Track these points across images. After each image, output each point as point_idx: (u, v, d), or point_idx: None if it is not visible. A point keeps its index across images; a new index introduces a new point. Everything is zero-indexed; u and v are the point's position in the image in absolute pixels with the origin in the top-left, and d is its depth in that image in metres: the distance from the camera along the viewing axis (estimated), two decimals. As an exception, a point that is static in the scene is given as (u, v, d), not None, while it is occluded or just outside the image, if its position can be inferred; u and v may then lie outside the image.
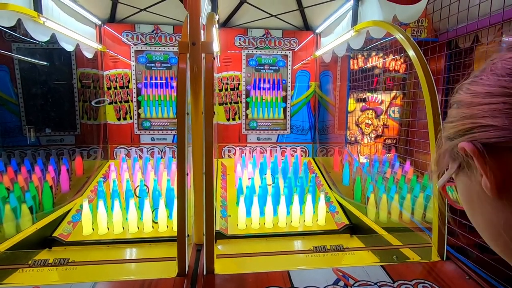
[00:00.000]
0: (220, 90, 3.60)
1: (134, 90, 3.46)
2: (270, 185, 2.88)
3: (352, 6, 2.52)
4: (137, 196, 2.65)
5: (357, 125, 3.73)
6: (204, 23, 1.84)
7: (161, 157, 3.43)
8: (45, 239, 2.20)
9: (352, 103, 3.58)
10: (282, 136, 3.76)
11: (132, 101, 3.47)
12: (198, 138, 1.59)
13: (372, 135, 3.73)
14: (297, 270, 1.42)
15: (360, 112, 3.67)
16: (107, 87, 3.41)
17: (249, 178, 2.99)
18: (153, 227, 2.38)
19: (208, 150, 1.45)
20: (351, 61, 3.45)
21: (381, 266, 1.46)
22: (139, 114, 3.50)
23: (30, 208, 2.28)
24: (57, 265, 1.52)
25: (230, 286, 1.32)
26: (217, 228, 2.33)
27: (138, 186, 2.75)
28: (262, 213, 2.50)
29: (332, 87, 3.64)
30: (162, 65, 3.48)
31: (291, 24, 3.58)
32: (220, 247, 2.22)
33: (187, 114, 1.49)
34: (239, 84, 3.61)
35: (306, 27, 3.63)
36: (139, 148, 3.53)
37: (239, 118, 3.67)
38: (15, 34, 3.03)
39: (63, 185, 2.86)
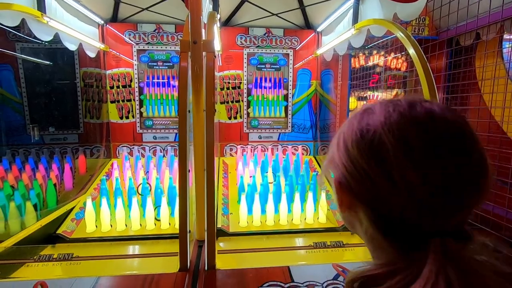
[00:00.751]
0: (222, 89, 3.62)
1: (137, 89, 3.49)
2: (272, 183, 2.90)
3: (353, 4, 2.52)
4: (139, 194, 2.68)
5: (358, 123, 3.73)
6: (206, 22, 1.86)
7: (163, 155, 3.45)
8: (49, 236, 2.23)
9: (353, 102, 3.58)
10: (283, 135, 3.77)
11: (134, 100, 3.50)
12: (200, 136, 1.61)
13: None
14: (297, 265, 1.44)
15: (361, 110, 3.67)
16: (110, 86, 3.44)
17: (250, 176, 3.01)
18: (155, 224, 2.40)
19: (210, 147, 1.47)
20: (352, 60, 3.46)
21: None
22: (141, 113, 3.53)
23: (35, 206, 2.32)
24: (61, 260, 1.55)
25: (231, 281, 1.34)
26: (219, 225, 2.35)
27: (140, 184, 2.77)
28: (263, 211, 2.52)
29: (333, 86, 3.65)
30: (164, 64, 3.51)
31: (292, 23, 3.59)
32: (221, 244, 2.24)
33: (189, 112, 1.51)
34: (240, 83, 3.63)
35: (307, 25, 3.63)
36: (141, 146, 3.56)
37: (240, 117, 3.68)
38: (19, 34, 3.07)
39: (67, 183, 2.89)
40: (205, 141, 1.48)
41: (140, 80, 3.49)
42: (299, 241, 2.33)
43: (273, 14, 3.41)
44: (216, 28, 2.17)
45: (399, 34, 1.81)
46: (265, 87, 3.68)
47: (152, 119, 3.55)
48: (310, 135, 3.80)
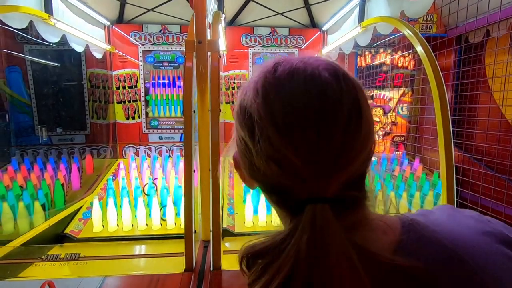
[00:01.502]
0: (227, 89, 3.62)
1: (142, 90, 3.51)
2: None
3: (359, 2, 2.50)
4: (145, 194, 2.69)
5: (365, 122, 3.69)
6: (210, 22, 1.85)
7: (169, 156, 3.47)
8: (57, 236, 2.26)
9: (359, 101, 3.55)
10: (289, 134, 3.75)
11: (140, 100, 3.52)
12: (205, 136, 1.60)
13: (380, 133, 3.70)
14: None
15: (367, 109, 3.64)
16: (116, 87, 3.47)
17: (256, 176, 3.00)
18: (161, 224, 2.41)
19: (215, 147, 1.46)
20: (358, 58, 3.43)
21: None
22: (147, 113, 3.55)
23: (43, 206, 2.35)
24: (68, 260, 1.56)
25: (236, 281, 1.33)
26: (224, 225, 2.35)
27: (146, 184, 2.79)
28: (269, 210, 2.51)
29: (339, 85, 3.62)
30: (169, 64, 3.52)
31: (297, 22, 3.57)
32: (227, 244, 2.23)
33: (194, 112, 1.51)
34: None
35: (313, 24, 3.61)
36: (147, 146, 3.58)
37: (245, 117, 3.67)
38: (27, 36, 3.11)
39: (74, 183, 2.92)
40: (210, 141, 1.47)
41: (146, 81, 3.51)
42: (305, 241, 2.32)
43: (278, 13, 3.39)
44: (221, 28, 2.17)
45: (407, 32, 1.78)
46: (270, 87, 3.66)
47: (158, 119, 3.57)
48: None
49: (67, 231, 2.30)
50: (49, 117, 3.34)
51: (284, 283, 0.32)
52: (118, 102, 3.49)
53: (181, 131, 3.56)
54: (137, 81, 3.49)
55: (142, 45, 3.44)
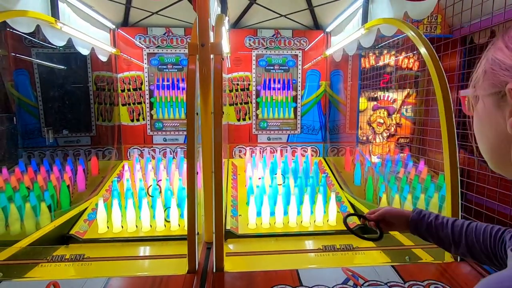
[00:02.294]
0: (231, 91, 3.63)
1: (147, 92, 3.54)
2: (281, 185, 2.88)
3: (362, 4, 2.49)
4: (149, 196, 2.71)
5: (369, 124, 3.68)
6: (214, 25, 1.87)
7: (173, 157, 3.49)
8: (63, 237, 2.29)
9: (363, 102, 3.54)
10: (292, 136, 3.75)
11: (145, 102, 3.55)
12: (208, 138, 1.62)
13: (385, 135, 3.68)
14: (306, 269, 1.42)
15: (372, 111, 3.62)
16: (121, 89, 3.51)
17: (259, 178, 3.01)
18: (165, 225, 2.42)
19: (218, 149, 1.47)
20: (362, 60, 3.42)
21: (392, 266, 1.44)
22: (151, 115, 3.58)
23: (49, 207, 2.38)
24: (73, 261, 1.58)
25: (239, 283, 1.34)
26: (228, 227, 2.35)
27: (150, 185, 2.81)
28: (272, 213, 2.51)
29: (343, 86, 3.61)
30: (173, 67, 3.55)
31: (301, 24, 3.57)
32: (230, 246, 2.24)
33: (197, 114, 1.52)
34: (249, 84, 3.64)
35: (316, 26, 3.61)
36: (151, 148, 3.60)
37: (249, 118, 3.69)
38: (34, 40, 3.17)
39: (80, 185, 2.95)
40: (213, 143, 1.48)
41: (151, 83, 3.54)
42: (308, 244, 2.31)
43: (281, 16, 3.40)
44: (224, 30, 2.18)
45: (410, 33, 1.77)
46: (274, 89, 3.67)
47: (162, 121, 3.60)
48: (320, 136, 3.77)
49: (72, 232, 2.32)
50: (56, 119, 3.39)
51: None
52: (123, 104, 3.53)
53: (185, 133, 3.58)
54: (141, 84, 3.53)
55: (147, 47, 3.48)
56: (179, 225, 2.43)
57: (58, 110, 3.39)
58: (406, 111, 3.66)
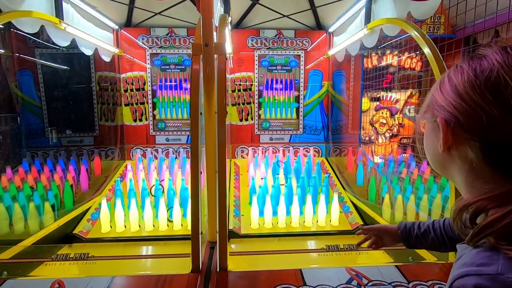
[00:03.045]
0: (233, 91, 3.64)
1: (150, 92, 3.55)
2: (283, 185, 2.88)
3: (365, 4, 2.49)
4: (152, 195, 2.72)
5: (372, 124, 3.67)
6: (217, 25, 1.87)
7: (176, 157, 3.50)
8: (66, 236, 2.30)
9: (366, 102, 3.53)
10: (295, 136, 3.75)
11: (147, 102, 3.56)
12: (211, 138, 1.62)
13: (387, 135, 3.67)
14: (309, 268, 1.42)
15: (374, 111, 3.62)
16: (124, 89, 3.52)
17: (261, 178, 3.01)
18: (168, 225, 2.43)
19: (221, 149, 1.48)
20: (364, 60, 3.41)
21: (396, 266, 1.43)
22: (154, 116, 3.59)
23: (52, 206, 2.39)
24: (77, 260, 1.59)
25: (242, 282, 1.34)
26: (231, 227, 2.36)
27: (153, 185, 2.82)
28: (275, 213, 2.51)
29: (345, 87, 3.61)
30: (176, 67, 3.56)
31: (303, 24, 3.58)
32: (233, 246, 2.24)
33: (200, 114, 1.52)
34: (251, 84, 3.64)
35: (319, 26, 3.61)
36: (154, 148, 3.61)
37: (251, 119, 3.69)
38: (38, 40, 3.18)
39: (83, 184, 2.97)
40: (217, 143, 1.48)
41: (153, 83, 3.55)
42: (311, 243, 2.31)
43: (284, 16, 3.41)
44: (227, 30, 2.19)
45: (414, 33, 1.77)
46: (276, 89, 3.67)
47: (164, 121, 3.61)
48: (322, 136, 3.76)
49: (76, 231, 2.33)
50: (59, 119, 3.40)
51: None
52: (126, 105, 3.54)
53: (187, 133, 3.59)
54: (144, 84, 3.54)
55: (150, 48, 3.49)
56: (181, 225, 2.44)
57: (61, 110, 3.41)
58: (409, 111, 3.65)
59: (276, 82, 3.66)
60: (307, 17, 3.51)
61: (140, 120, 3.58)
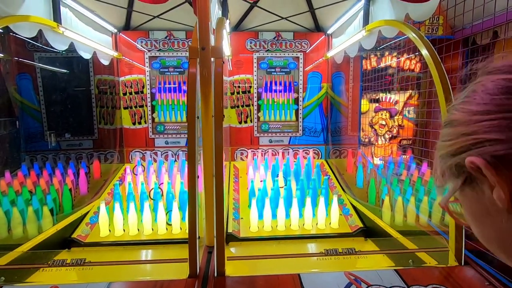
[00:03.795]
0: (232, 93, 3.63)
1: (149, 95, 3.55)
2: (282, 187, 2.87)
3: (363, 6, 2.49)
4: (151, 199, 2.71)
5: (371, 126, 3.66)
6: (214, 28, 1.87)
7: (175, 160, 3.49)
8: (65, 240, 2.29)
9: (365, 104, 3.52)
10: (294, 138, 3.74)
11: (146, 105, 3.56)
12: (209, 141, 1.61)
13: (387, 136, 3.66)
14: (308, 273, 1.41)
15: (373, 113, 3.61)
16: (123, 92, 3.52)
17: (261, 181, 3.00)
18: (167, 229, 2.42)
19: (218, 152, 1.47)
20: (363, 62, 3.41)
21: (395, 270, 1.42)
22: (153, 119, 3.59)
23: (51, 210, 2.38)
24: (74, 265, 1.58)
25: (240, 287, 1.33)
26: (230, 230, 2.34)
27: (152, 188, 2.81)
28: (274, 215, 2.50)
29: (344, 88, 3.60)
30: (175, 70, 3.56)
31: (302, 26, 3.58)
32: (232, 250, 2.23)
33: (198, 117, 1.52)
34: (250, 87, 3.64)
35: (317, 28, 3.61)
36: (153, 151, 3.61)
37: (251, 121, 3.68)
38: (37, 44, 3.19)
39: (82, 188, 2.96)
40: (214, 147, 1.48)
41: (152, 86, 3.55)
42: (311, 247, 2.30)
43: (282, 18, 3.40)
44: (225, 33, 2.18)
45: (411, 35, 1.76)
46: (275, 91, 3.67)
47: (164, 124, 3.60)
48: (322, 138, 3.75)
49: (74, 235, 2.33)
50: (58, 123, 3.40)
51: None
52: (125, 108, 3.54)
53: (187, 135, 3.58)
54: (143, 87, 3.54)
55: (148, 51, 3.49)
56: (181, 229, 2.42)
57: (60, 113, 3.41)
58: (409, 112, 3.64)
59: (275, 84, 3.66)
60: (306, 19, 3.51)
61: (139, 123, 3.58)
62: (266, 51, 3.59)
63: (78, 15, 2.63)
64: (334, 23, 3.25)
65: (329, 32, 3.50)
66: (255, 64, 3.61)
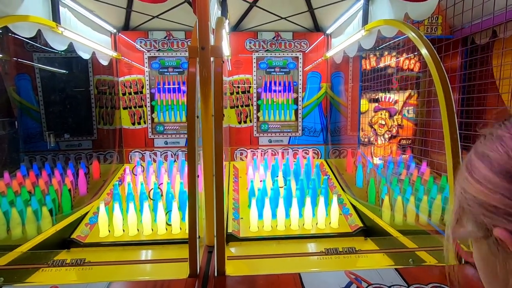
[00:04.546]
0: (232, 94, 3.63)
1: (148, 95, 3.54)
2: (282, 187, 2.87)
3: (363, 5, 2.49)
4: (151, 199, 2.71)
5: (371, 126, 3.66)
6: (214, 28, 1.87)
7: (174, 161, 3.48)
8: (64, 241, 2.28)
9: (364, 104, 3.52)
10: (293, 138, 3.74)
11: (146, 106, 3.55)
12: (209, 141, 1.61)
13: (386, 136, 3.66)
14: (308, 272, 1.41)
15: (373, 112, 3.61)
16: (122, 92, 3.51)
17: (260, 181, 2.99)
18: (166, 229, 2.41)
19: (218, 152, 1.47)
20: (362, 61, 3.41)
21: (395, 269, 1.42)
22: (152, 119, 3.58)
23: (50, 211, 2.38)
24: (74, 265, 1.57)
25: (240, 287, 1.32)
26: (230, 230, 2.34)
27: (152, 189, 2.80)
28: (274, 215, 2.50)
29: (343, 88, 3.60)
30: (174, 70, 3.55)
31: (301, 26, 3.58)
32: (232, 250, 2.22)
33: (197, 117, 1.51)
34: (250, 87, 3.64)
35: (317, 28, 3.61)
36: (153, 151, 3.60)
37: (250, 121, 3.68)
38: (36, 44, 3.18)
39: (81, 189, 2.95)
40: (214, 146, 1.47)
41: (152, 87, 3.55)
42: (311, 246, 2.30)
43: (281, 18, 3.41)
44: (224, 33, 2.18)
45: (411, 34, 1.76)
46: (274, 91, 3.67)
47: (163, 124, 3.60)
48: (321, 138, 3.76)
49: (73, 236, 2.32)
50: (57, 123, 3.39)
51: None
52: (124, 108, 3.54)
53: (186, 136, 3.58)
54: (142, 87, 3.53)
55: (148, 51, 3.49)
56: (180, 229, 2.42)
57: (59, 114, 3.40)
58: (408, 112, 3.64)
59: (275, 84, 3.66)
60: (305, 19, 3.51)
61: (139, 123, 3.57)
62: (265, 51, 3.59)
63: (77, 15, 2.63)
64: (334, 23, 3.25)
65: (328, 32, 3.50)
66: (254, 64, 3.61)
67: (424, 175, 2.83)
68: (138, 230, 2.40)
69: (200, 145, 1.63)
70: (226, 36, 2.53)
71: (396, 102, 3.62)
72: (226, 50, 2.72)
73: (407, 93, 3.61)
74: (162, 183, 2.91)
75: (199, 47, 1.52)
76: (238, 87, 3.63)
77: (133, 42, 3.46)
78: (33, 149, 3.33)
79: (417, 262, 1.67)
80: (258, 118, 3.69)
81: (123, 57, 3.46)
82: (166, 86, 3.56)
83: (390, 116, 3.62)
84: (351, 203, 2.82)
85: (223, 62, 1.60)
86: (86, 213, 2.62)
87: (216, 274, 1.41)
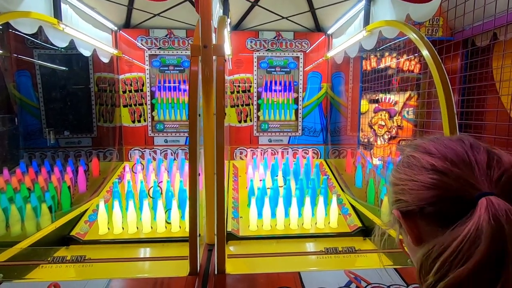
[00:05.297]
0: (232, 93, 3.63)
1: (148, 93, 3.54)
2: (282, 186, 2.87)
3: (364, 6, 2.50)
4: (150, 197, 2.71)
5: (370, 126, 3.67)
6: (216, 26, 1.87)
7: (174, 159, 3.48)
8: (63, 238, 2.28)
9: (364, 104, 3.53)
10: (293, 138, 3.75)
11: (146, 104, 3.55)
12: (210, 139, 1.61)
13: (386, 137, 3.67)
14: (308, 271, 1.41)
15: (373, 113, 3.62)
16: (122, 90, 3.51)
17: (260, 180, 3.00)
18: (166, 227, 2.41)
19: (220, 150, 1.47)
20: (363, 62, 3.41)
21: (395, 269, 1.43)
22: (153, 117, 3.58)
23: (50, 208, 2.37)
24: (74, 262, 1.57)
25: (241, 285, 1.33)
26: (229, 229, 2.34)
27: (151, 187, 2.80)
28: (273, 214, 2.50)
29: (344, 88, 3.61)
30: (175, 68, 3.55)
31: (302, 26, 3.58)
32: (231, 248, 2.23)
33: (199, 115, 1.52)
34: (250, 86, 3.64)
35: (318, 28, 3.62)
36: (153, 150, 3.60)
37: (250, 120, 3.68)
38: (36, 41, 3.17)
39: (81, 186, 2.95)
40: (215, 145, 1.48)
41: (152, 85, 3.54)
42: (310, 246, 2.30)
43: (283, 18, 3.41)
44: (226, 32, 2.18)
45: (412, 36, 1.77)
46: (275, 91, 3.67)
47: (163, 122, 3.60)
48: (321, 138, 3.76)
49: (73, 233, 2.32)
50: (57, 120, 3.39)
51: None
52: (125, 106, 3.53)
53: (186, 134, 3.58)
54: (143, 85, 3.53)
55: (149, 49, 3.49)
56: (180, 227, 2.42)
57: (59, 111, 3.39)
58: (408, 113, 3.65)
59: (275, 84, 3.66)
60: (306, 19, 3.52)
61: (139, 121, 3.57)
62: (266, 50, 3.60)
63: (78, 12, 2.62)
64: (335, 23, 3.26)
65: (329, 32, 3.50)
66: (255, 64, 3.61)
67: (423, 176, 2.83)
68: (137, 228, 2.40)
69: (201, 143, 1.63)
70: (227, 35, 2.53)
71: (396, 103, 3.63)
72: (227, 49, 2.72)
73: (407, 94, 3.62)
74: (161, 181, 2.91)
75: (202, 45, 1.52)
76: (239, 86, 3.63)
77: (134, 40, 3.46)
78: (32, 146, 3.33)
79: (416, 262, 1.67)
80: (258, 117, 3.69)
81: (123, 55, 3.46)
82: (167, 84, 3.56)
83: (390, 117, 3.63)
84: (350, 203, 2.83)
85: (225, 61, 1.60)
86: (86, 211, 2.62)
87: (216, 272, 1.41)
